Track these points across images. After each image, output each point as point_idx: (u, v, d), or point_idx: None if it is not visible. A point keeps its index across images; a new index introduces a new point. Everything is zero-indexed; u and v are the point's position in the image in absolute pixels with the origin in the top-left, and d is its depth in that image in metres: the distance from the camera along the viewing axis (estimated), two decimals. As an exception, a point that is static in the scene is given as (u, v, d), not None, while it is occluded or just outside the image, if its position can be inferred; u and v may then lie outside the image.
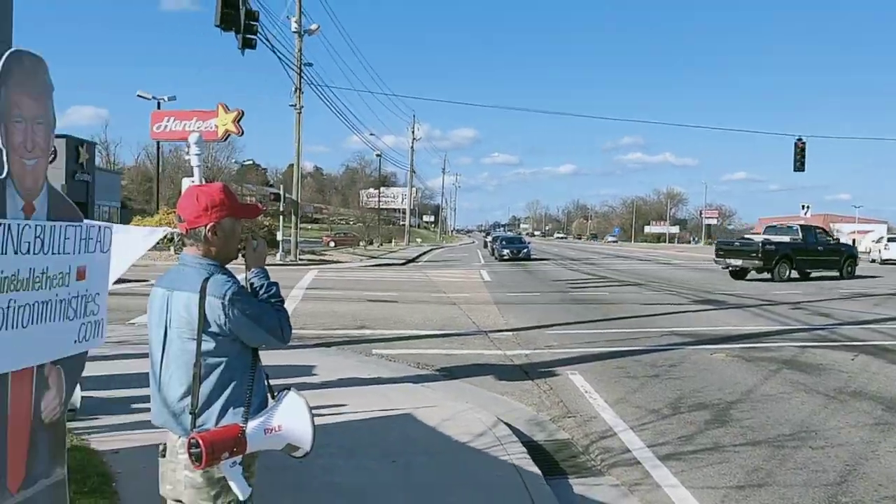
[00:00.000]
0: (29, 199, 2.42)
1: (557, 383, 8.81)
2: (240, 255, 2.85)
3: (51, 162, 2.59)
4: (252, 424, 2.62)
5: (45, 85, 2.48)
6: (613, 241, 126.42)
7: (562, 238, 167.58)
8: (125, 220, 43.17)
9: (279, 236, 36.65)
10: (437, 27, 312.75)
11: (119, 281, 4.95)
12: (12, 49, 2.35)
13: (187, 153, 3.16)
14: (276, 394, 2.78)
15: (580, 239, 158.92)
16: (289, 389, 2.76)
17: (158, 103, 40.25)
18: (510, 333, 12.84)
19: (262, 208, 3.45)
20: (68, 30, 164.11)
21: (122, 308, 12.81)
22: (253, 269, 2.84)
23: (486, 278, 27.38)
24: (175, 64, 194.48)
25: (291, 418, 2.68)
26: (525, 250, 43.87)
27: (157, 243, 6.81)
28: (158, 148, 46.44)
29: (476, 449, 5.81)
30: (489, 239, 64.34)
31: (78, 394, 5.63)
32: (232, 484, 2.59)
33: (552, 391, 8.41)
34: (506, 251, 43.16)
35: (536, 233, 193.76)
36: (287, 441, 2.71)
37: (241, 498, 2.61)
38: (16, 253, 2.28)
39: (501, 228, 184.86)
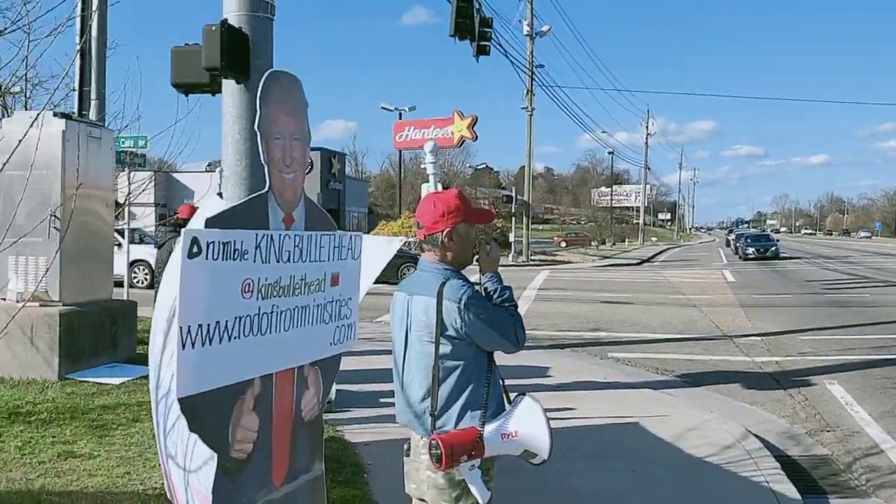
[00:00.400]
0: (288, 210, 2.60)
1: (813, 393, 8.07)
2: (474, 259, 2.88)
3: (308, 173, 2.77)
4: (489, 428, 2.63)
5: (301, 102, 2.66)
6: (866, 238, 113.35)
7: (810, 234, 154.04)
8: (372, 224, 46.25)
9: (511, 237, 37.31)
10: (670, 17, 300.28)
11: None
12: (270, 70, 2.56)
13: (424, 161, 3.28)
14: (511, 398, 2.78)
15: (830, 235, 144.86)
16: (523, 395, 2.74)
17: (400, 114, 42.55)
18: (758, 338, 11.98)
19: (494, 214, 3.47)
20: (321, 52, 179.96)
21: (372, 307, 13.66)
22: (487, 273, 2.85)
23: (730, 279, 25.87)
24: (415, 74, 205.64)
25: (528, 424, 2.66)
26: (773, 248, 40.84)
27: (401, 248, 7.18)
28: (401, 156, 49.09)
29: (723, 462, 5.45)
30: (732, 236, 60.55)
31: (333, 388, 6.07)
32: (472, 487, 2.62)
33: (807, 402, 7.71)
34: (751, 249, 40.49)
35: (783, 229, 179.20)
36: (524, 447, 2.69)
37: (480, 501, 2.63)
38: (277, 261, 2.47)
39: (745, 225, 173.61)
